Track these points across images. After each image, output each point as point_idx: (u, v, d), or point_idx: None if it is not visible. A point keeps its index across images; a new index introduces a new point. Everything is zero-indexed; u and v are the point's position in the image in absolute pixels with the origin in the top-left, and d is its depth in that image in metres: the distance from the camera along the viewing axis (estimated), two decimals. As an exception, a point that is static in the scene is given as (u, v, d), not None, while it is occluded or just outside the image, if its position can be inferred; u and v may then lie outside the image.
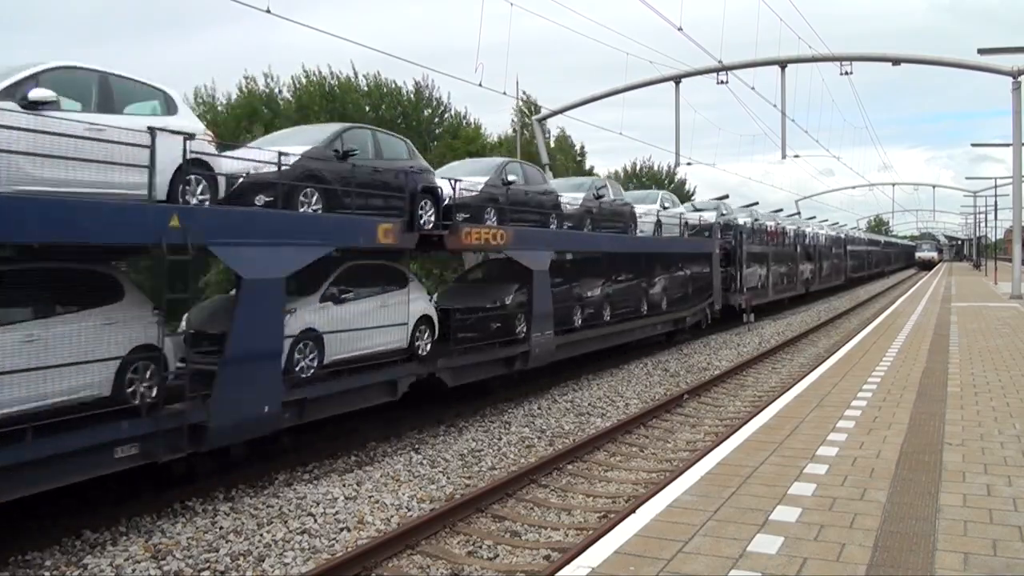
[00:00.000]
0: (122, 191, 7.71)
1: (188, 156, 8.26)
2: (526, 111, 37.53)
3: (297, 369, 9.44)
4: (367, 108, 33.58)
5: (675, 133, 31.96)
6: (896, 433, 7.66)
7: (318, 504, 8.30)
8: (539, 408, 13.37)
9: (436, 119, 36.31)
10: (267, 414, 8.80)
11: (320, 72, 33.41)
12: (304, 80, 33.17)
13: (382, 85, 34.42)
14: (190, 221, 7.88)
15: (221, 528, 7.65)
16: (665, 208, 22.73)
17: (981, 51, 24.92)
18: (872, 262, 64.07)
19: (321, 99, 32.11)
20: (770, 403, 9.89)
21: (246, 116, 29.61)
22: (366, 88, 34.17)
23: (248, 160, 9.57)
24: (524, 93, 37.49)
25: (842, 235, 50.66)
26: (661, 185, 48.13)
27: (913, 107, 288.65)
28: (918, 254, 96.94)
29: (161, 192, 8.05)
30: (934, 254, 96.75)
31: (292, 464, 9.79)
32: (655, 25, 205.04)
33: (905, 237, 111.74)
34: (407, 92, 35.20)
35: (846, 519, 5.24)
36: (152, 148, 7.78)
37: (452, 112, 37.65)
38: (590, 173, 42.88)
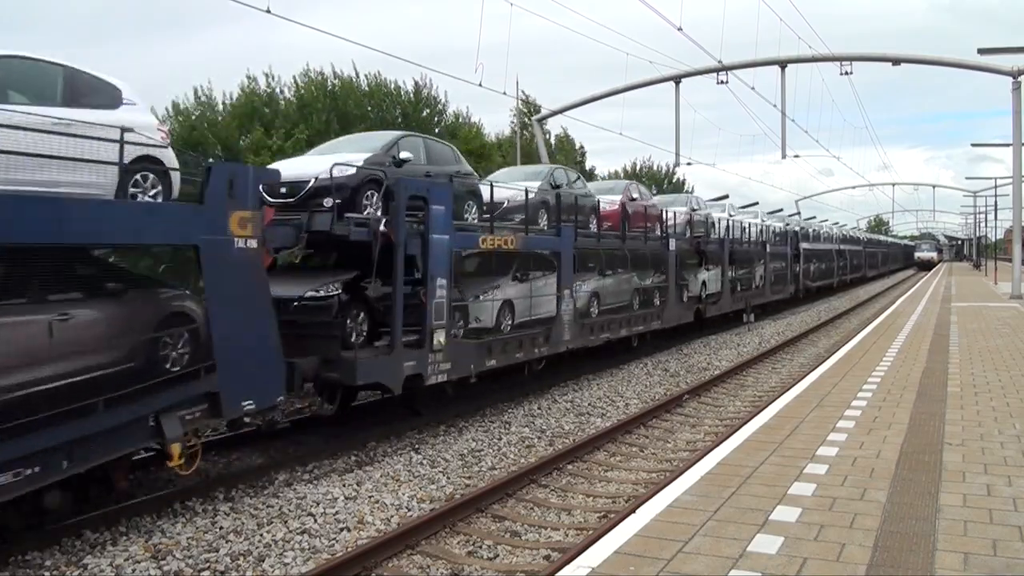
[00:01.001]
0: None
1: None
2: (525, 111, 37.55)
3: None
4: (368, 108, 33.57)
5: (675, 133, 31.99)
6: (896, 433, 7.66)
7: (318, 504, 8.30)
8: (539, 408, 13.36)
9: (435, 119, 36.32)
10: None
11: (322, 72, 33.44)
12: (307, 79, 33.18)
13: (382, 85, 34.43)
14: None
15: (221, 528, 7.65)
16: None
17: (981, 51, 24.95)
18: (847, 266, 50.98)
19: (323, 97, 32.11)
20: (770, 403, 9.90)
21: (247, 116, 29.60)
22: (367, 88, 34.17)
23: None
24: (523, 93, 37.53)
25: (795, 228, 37.97)
26: (660, 185, 48.08)
27: (913, 107, 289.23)
28: (917, 254, 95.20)
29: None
30: (933, 254, 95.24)
31: (292, 464, 9.79)
32: (655, 25, 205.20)
33: (905, 237, 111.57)
34: (406, 92, 35.22)
35: (846, 519, 5.24)
36: None
37: (452, 111, 37.72)
38: (591, 174, 42.81)
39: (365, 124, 31.25)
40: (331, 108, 31.50)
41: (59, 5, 74.59)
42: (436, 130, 34.70)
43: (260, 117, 29.55)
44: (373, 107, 33.93)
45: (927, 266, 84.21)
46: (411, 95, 35.39)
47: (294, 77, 33.48)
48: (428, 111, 36.17)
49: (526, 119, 37.47)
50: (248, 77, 32.65)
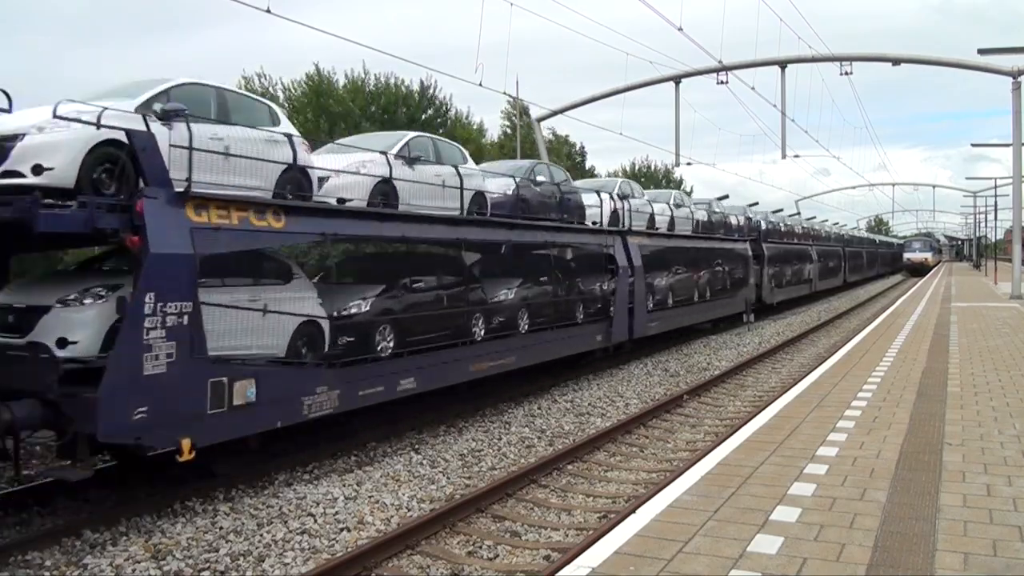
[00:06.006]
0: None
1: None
2: (515, 113, 37.65)
3: None
4: (373, 108, 33.63)
5: (675, 133, 31.95)
6: (896, 433, 7.66)
7: (318, 504, 8.30)
8: (539, 408, 13.36)
9: (439, 119, 36.34)
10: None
11: (317, 72, 33.53)
12: (316, 79, 33.34)
13: (390, 88, 34.51)
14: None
15: (221, 528, 7.65)
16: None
17: (981, 51, 24.94)
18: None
19: (310, 95, 32.25)
20: (770, 403, 9.90)
21: None
22: (372, 88, 34.27)
23: None
24: (509, 96, 37.57)
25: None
26: (659, 185, 48.07)
27: (912, 107, 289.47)
28: (906, 255, 77.71)
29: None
30: (927, 255, 76.67)
31: (292, 464, 9.79)
32: (655, 25, 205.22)
33: (906, 237, 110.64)
34: (412, 92, 35.26)
35: (846, 519, 5.24)
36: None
37: (455, 112, 37.78)
38: (591, 174, 42.86)
39: (369, 123, 31.39)
40: (315, 105, 31.64)
41: (61, 4, 74.62)
42: (440, 131, 34.72)
43: None
44: (378, 108, 33.99)
45: (919, 271, 67.83)
46: (416, 95, 35.41)
47: (294, 78, 33.64)
48: (432, 111, 36.18)
49: (514, 119, 37.58)
50: (258, 75, 32.85)
